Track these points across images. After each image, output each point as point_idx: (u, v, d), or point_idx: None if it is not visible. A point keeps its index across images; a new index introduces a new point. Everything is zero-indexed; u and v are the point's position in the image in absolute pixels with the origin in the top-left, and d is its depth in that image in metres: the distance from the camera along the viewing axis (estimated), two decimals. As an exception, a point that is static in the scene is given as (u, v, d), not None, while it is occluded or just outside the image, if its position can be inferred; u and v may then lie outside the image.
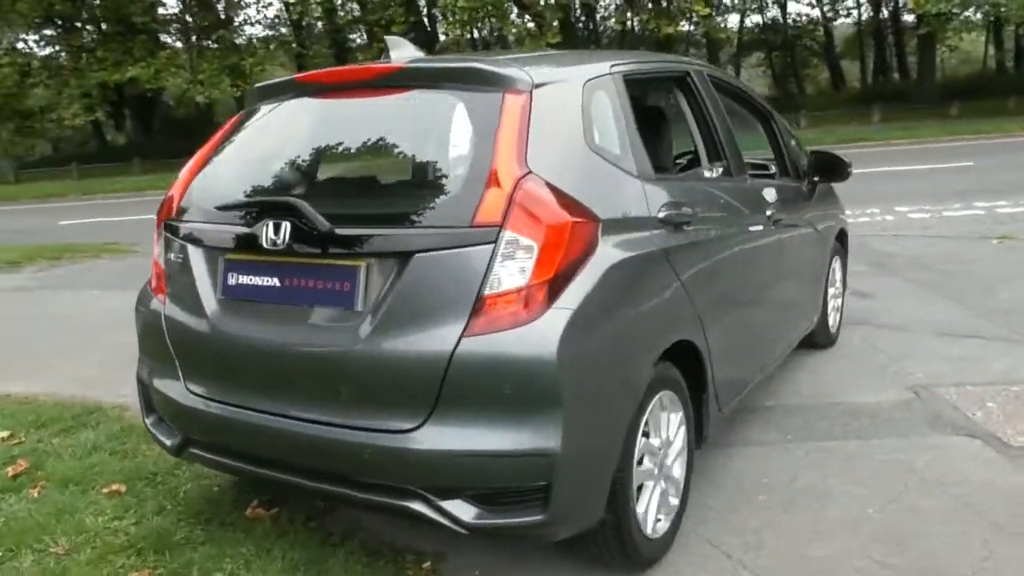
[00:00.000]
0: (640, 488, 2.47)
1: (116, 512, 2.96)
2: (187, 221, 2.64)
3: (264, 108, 2.77)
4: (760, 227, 3.30)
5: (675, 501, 2.68)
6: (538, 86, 2.30)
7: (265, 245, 2.31)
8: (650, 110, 3.39)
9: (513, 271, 2.07)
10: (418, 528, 2.82)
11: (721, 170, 3.20)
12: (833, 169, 4.06)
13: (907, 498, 2.93)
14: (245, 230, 2.39)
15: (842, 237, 4.86)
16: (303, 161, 2.58)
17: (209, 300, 2.51)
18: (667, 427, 2.58)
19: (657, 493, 2.55)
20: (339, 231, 2.23)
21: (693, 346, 2.67)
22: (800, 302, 3.98)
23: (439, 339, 2.09)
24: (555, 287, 2.09)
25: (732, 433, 3.55)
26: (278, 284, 2.38)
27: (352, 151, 2.50)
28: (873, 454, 3.29)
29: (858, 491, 2.99)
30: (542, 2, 19.79)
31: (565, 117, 2.36)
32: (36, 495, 3.10)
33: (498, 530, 2.17)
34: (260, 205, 2.44)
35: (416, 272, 2.13)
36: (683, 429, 2.69)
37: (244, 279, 2.45)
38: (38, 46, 31.83)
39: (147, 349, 2.80)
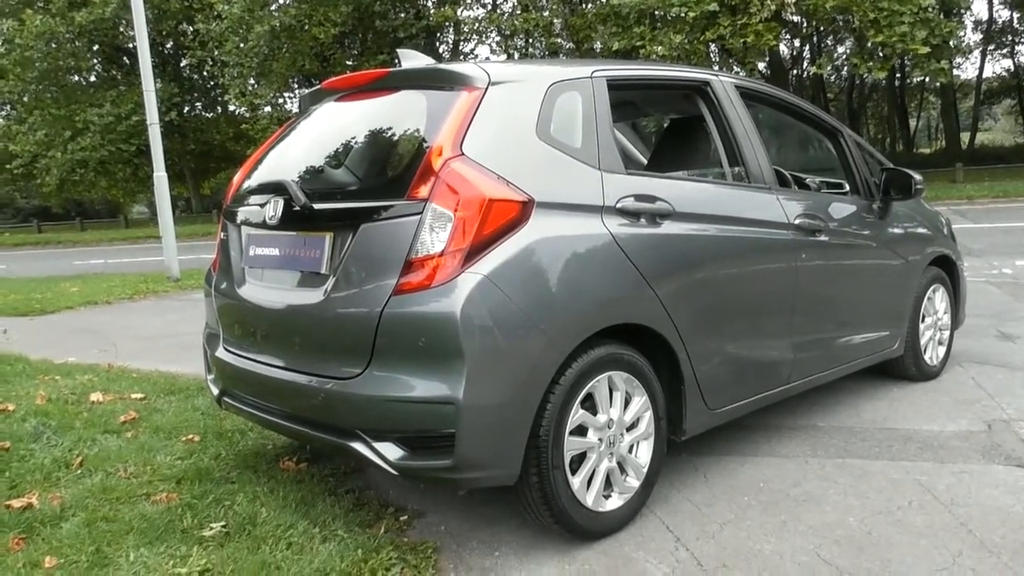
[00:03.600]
0: (583, 458, 2.61)
1: (182, 454, 3.51)
2: (232, 205, 3.16)
3: (309, 110, 3.25)
4: (778, 237, 3.28)
5: (634, 483, 2.76)
6: (494, 84, 2.59)
7: (267, 220, 2.77)
8: (683, 119, 3.52)
9: (435, 238, 2.35)
10: (414, 490, 3.13)
11: (735, 176, 3.27)
12: (900, 186, 3.90)
13: (901, 513, 2.78)
14: (259, 208, 2.86)
15: (946, 266, 4.55)
16: (310, 152, 3.02)
17: (238, 269, 3.01)
18: (620, 407, 2.69)
19: (603, 467, 2.66)
20: (316, 206, 2.64)
21: (659, 336, 2.77)
22: (853, 323, 3.80)
23: (375, 297, 2.41)
24: (471, 254, 2.34)
25: (756, 444, 3.50)
26: (277, 253, 2.82)
27: (348, 142, 2.90)
28: (892, 473, 3.12)
29: (852, 502, 2.88)
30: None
31: (517, 111, 2.61)
32: (130, 437, 3.75)
33: (418, 471, 2.42)
34: (265, 186, 2.91)
35: (363, 239, 2.48)
36: (649, 415, 2.78)
37: (258, 250, 2.92)
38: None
39: (208, 317, 3.35)
